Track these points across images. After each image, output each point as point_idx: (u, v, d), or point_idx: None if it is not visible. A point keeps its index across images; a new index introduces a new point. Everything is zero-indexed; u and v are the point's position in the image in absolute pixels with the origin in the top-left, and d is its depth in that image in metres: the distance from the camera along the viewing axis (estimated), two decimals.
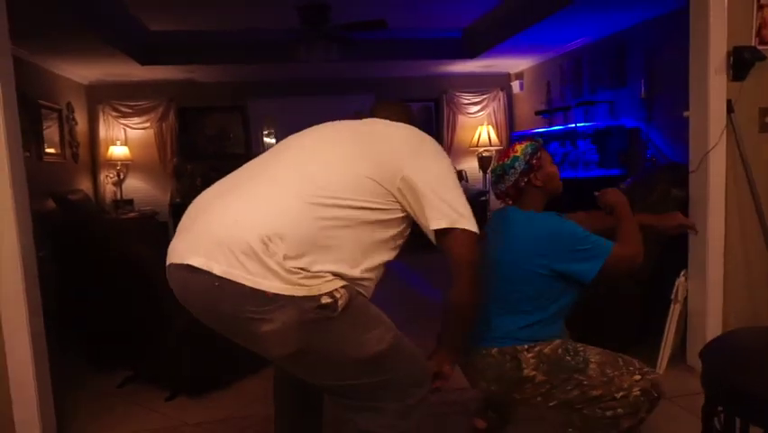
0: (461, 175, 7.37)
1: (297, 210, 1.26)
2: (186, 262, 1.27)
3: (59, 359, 2.32)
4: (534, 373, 1.73)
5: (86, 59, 5.51)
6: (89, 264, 2.89)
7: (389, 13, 5.01)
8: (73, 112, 6.37)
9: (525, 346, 1.75)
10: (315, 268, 1.24)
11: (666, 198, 2.68)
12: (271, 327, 1.22)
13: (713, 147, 2.51)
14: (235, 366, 2.84)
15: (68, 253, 3.02)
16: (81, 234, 3.07)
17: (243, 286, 1.20)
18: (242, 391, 2.73)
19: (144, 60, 5.79)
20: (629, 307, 2.76)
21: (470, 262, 1.42)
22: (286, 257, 1.21)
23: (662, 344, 2.68)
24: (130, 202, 6.85)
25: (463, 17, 5.97)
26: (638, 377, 1.66)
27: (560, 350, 1.75)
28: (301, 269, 1.22)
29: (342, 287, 1.27)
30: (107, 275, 2.76)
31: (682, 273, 2.68)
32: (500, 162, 1.89)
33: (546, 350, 1.75)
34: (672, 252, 2.71)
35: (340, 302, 1.25)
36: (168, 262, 1.36)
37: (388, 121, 1.60)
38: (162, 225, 6.33)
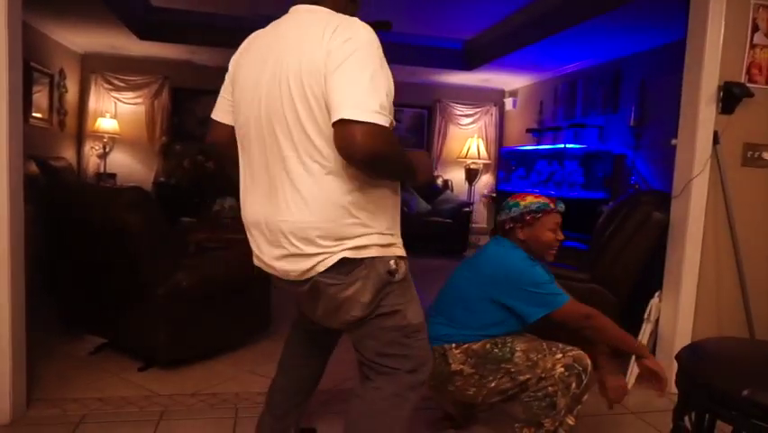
0: (446, 184, 7.46)
1: None
2: None
3: (32, 322, 2.30)
4: (461, 366, 1.86)
5: (85, 26, 5.45)
6: (72, 229, 2.86)
7: (395, 16, 5.06)
8: (65, 79, 6.28)
9: (453, 345, 1.88)
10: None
11: (648, 220, 2.77)
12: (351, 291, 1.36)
13: (697, 175, 2.61)
14: (208, 344, 2.84)
15: (50, 216, 2.99)
16: (65, 198, 3.04)
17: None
18: (214, 370, 2.72)
19: (143, 35, 5.75)
20: None
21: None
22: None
23: (632, 363, 2.75)
24: (113, 176, 6.76)
25: (466, 29, 6.06)
26: (560, 355, 1.80)
27: (488, 345, 1.87)
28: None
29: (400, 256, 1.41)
30: (91, 240, 2.73)
31: (657, 294, 2.77)
32: (509, 199, 2.02)
33: (475, 346, 1.87)
34: (650, 272, 2.80)
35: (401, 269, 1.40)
36: None
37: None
38: (148, 195, 6.26)
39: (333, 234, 1.31)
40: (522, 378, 1.82)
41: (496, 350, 1.85)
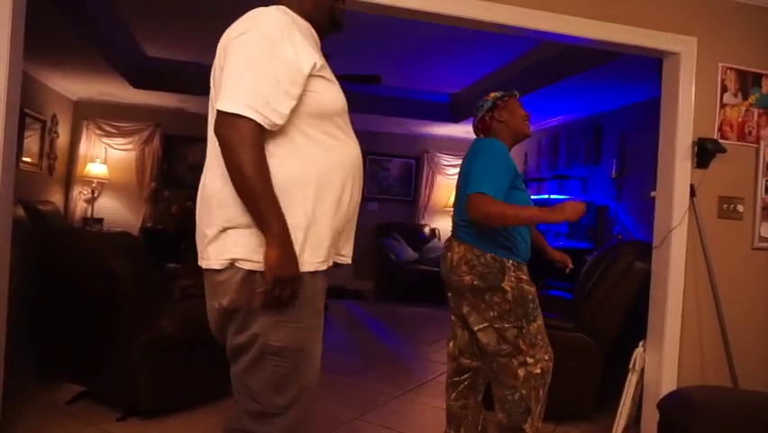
0: (433, 233, 7.51)
1: None
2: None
3: (9, 368, 2.24)
4: (508, 289, 2.00)
5: (80, 74, 5.55)
6: (56, 273, 2.84)
7: (384, 70, 5.25)
8: (57, 125, 6.34)
9: (514, 264, 2.02)
10: None
11: (630, 269, 2.82)
12: None
13: (676, 226, 2.69)
14: (191, 393, 2.78)
15: (34, 260, 2.96)
16: (51, 241, 3.03)
17: None
18: (197, 420, 2.66)
19: (137, 83, 5.86)
20: (591, 376, 2.83)
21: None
22: None
23: (618, 413, 2.74)
24: (99, 221, 6.74)
25: (453, 83, 6.28)
26: (547, 357, 2.05)
27: (530, 295, 2.04)
28: None
29: None
30: (75, 285, 2.71)
31: (641, 343, 2.79)
32: (485, 99, 2.26)
33: (524, 283, 2.03)
34: (633, 321, 2.83)
35: None
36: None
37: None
38: (136, 240, 6.22)
39: None
40: (522, 345, 2.00)
41: (531, 305, 2.03)
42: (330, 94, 1.38)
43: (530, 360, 2.02)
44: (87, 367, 2.76)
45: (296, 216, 1.28)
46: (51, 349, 2.93)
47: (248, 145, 1.23)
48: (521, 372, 2.02)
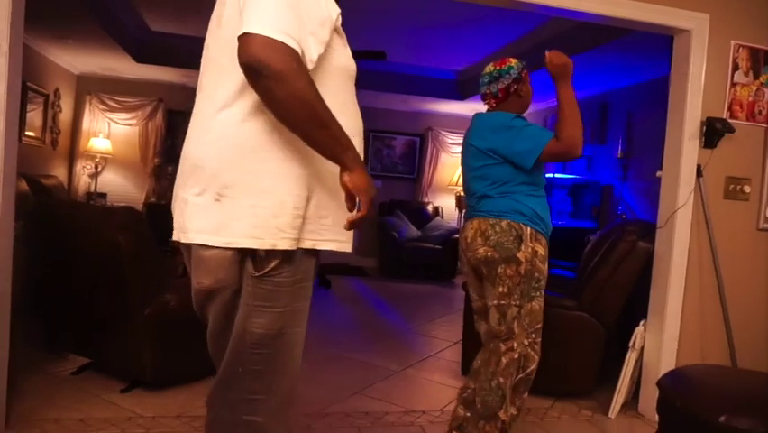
0: (436, 211, 7.50)
1: None
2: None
3: (15, 339, 2.27)
4: (522, 260, 1.97)
5: (83, 48, 5.51)
6: (61, 247, 2.85)
7: (390, 46, 5.18)
8: (59, 99, 6.31)
9: (532, 232, 1.99)
10: None
11: (633, 250, 2.81)
12: None
13: (681, 206, 2.67)
14: (194, 365, 2.81)
15: (38, 234, 2.98)
16: (56, 215, 3.04)
17: None
18: (199, 392, 2.69)
19: (140, 58, 5.82)
20: (591, 354, 2.85)
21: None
22: None
23: (617, 390, 2.76)
24: (103, 195, 6.75)
25: (459, 60, 6.20)
26: (526, 342, 2.00)
27: (538, 274, 2.00)
28: None
29: None
30: (79, 259, 2.73)
31: (642, 323, 2.80)
32: (497, 67, 2.11)
33: (538, 259, 1.99)
34: (635, 301, 2.83)
35: None
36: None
37: None
38: (139, 215, 6.26)
39: None
40: (513, 327, 1.98)
41: (534, 284, 1.99)
42: (346, 55, 1.28)
43: (515, 345, 2.00)
44: (92, 340, 2.79)
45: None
46: (57, 322, 2.96)
47: (299, 68, 1.06)
48: (504, 358, 2.00)
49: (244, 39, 1.05)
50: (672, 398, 1.33)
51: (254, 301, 1.19)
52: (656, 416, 1.61)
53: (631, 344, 2.77)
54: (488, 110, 2.19)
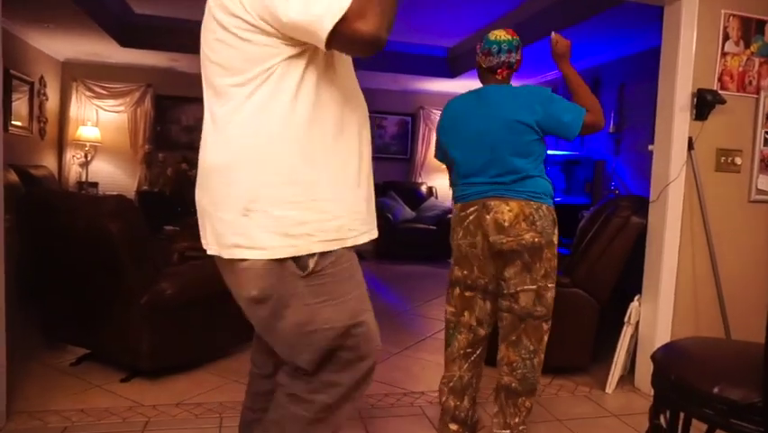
0: (430, 191, 7.50)
1: None
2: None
3: (13, 331, 2.27)
4: (556, 243, 1.99)
5: (65, 33, 5.40)
6: (54, 238, 2.83)
7: None
8: (45, 87, 6.22)
9: (545, 204, 1.98)
10: None
11: (626, 225, 2.82)
12: None
13: (673, 180, 2.67)
14: (193, 353, 2.83)
15: (31, 225, 2.95)
16: (48, 205, 3.01)
17: None
18: (199, 379, 2.71)
19: (125, 42, 5.71)
20: (587, 330, 2.88)
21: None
22: None
23: (613, 365, 2.80)
24: (94, 185, 6.70)
25: (449, 37, 6.13)
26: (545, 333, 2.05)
27: (555, 261, 2.02)
28: None
29: None
30: (73, 249, 2.71)
31: (637, 298, 2.82)
32: (515, 36, 2.08)
33: (552, 248, 1.99)
34: (629, 276, 2.85)
35: None
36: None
37: None
38: (131, 203, 6.23)
39: None
40: (552, 307, 2.02)
41: (550, 272, 2.01)
42: None
43: (550, 324, 2.05)
44: (89, 330, 2.79)
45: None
46: (53, 313, 2.95)
47: (367, 4, 1.09)
48: (546, 337, 2.04)
49: (338, 36, 1.06)
50: (666, 370, 1.34)
51: (314, 300, 1.22)
52: (652, 390, 1.64)
53: (626, 319, 2.79)
54: (500, 81, 2.07)
